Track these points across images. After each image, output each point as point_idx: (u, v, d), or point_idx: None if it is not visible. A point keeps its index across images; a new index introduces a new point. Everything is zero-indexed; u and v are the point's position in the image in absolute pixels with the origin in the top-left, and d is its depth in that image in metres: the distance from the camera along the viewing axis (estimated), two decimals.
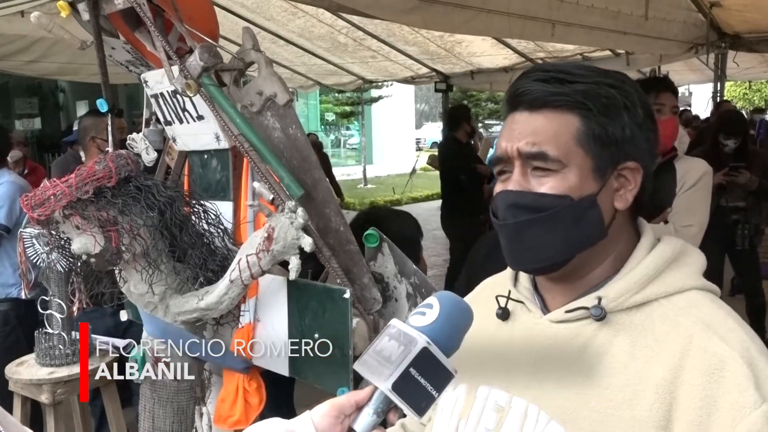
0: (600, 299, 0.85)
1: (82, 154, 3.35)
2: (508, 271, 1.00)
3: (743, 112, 9.98)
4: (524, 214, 0.85)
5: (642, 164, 0.87)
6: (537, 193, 0.84)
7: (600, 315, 0.84)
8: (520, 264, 0.92)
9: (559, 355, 0.86)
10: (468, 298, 0.97)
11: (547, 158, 0.84)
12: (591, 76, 0.85)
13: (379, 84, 11.73)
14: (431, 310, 0.77)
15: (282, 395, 2.55)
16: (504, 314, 0.95)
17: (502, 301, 0.96)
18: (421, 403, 0.72)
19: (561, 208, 0.84)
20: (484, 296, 1.01)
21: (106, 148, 2.47)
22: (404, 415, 0.75)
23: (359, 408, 0.75)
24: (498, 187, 0.90)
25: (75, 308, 2.46)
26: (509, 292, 0.96)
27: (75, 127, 3.89)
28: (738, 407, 0.73)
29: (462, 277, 2.32)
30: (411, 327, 0.75)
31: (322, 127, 23.09)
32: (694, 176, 2.44)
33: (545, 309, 0.92)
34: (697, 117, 9.65)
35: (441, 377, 0.73)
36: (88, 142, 3.22)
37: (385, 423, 0.76)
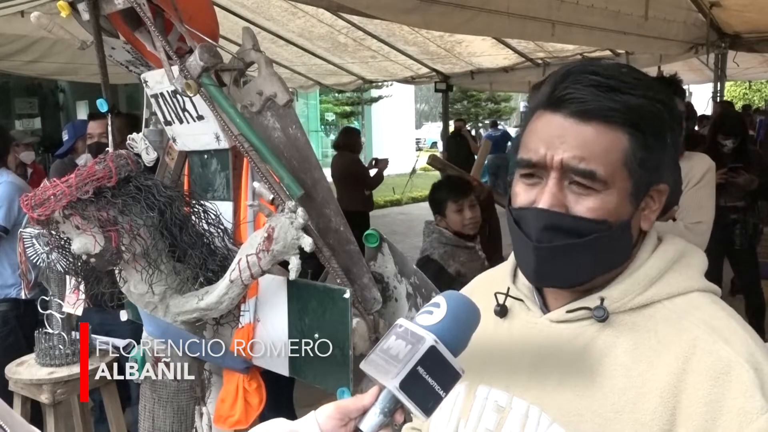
0: (603, 300, 0.83)
1: (81, 161, 3.44)
2: (507, 267, 0.98)
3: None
4: (561, 238, 0.81)
5: (669, 184, 0.85)
6: (576, 217, 0.80)
7: (603, 316, 0.82)
8: (545, 282, 0.89)
9: (560, 356, 0.85)
10: (464, 292, 0.96)
11: (594, 178, 0.79)
12: (639, 86, 0.80)
13: (379, 84, 11.73)
14: (438, 309, 0.76)
15: (282, 395, 2.55)
16: (502, 311, 0.93)
17: (501, 298, 0.94)
18: (429, 403, 0.72)
19: (599, 235, 0.80)
20: (481, 291, 0.98)
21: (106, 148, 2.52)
22: (410, 418, 0.75)
23: (365, 411, 0.75)
24: (521, 192, 0.85)
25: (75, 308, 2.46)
26: (508, 289, 0.94)
27: (65, 137, 3.93)
28: (744, 413, 0.73)
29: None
30: (418, 326, 0.74)
31: (322, 127, 23.07)
32: (698, 172, 2.44)
33: (545, 308, 0.91)
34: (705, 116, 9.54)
35: (448, 377, 0.73)
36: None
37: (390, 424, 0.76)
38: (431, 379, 0.72)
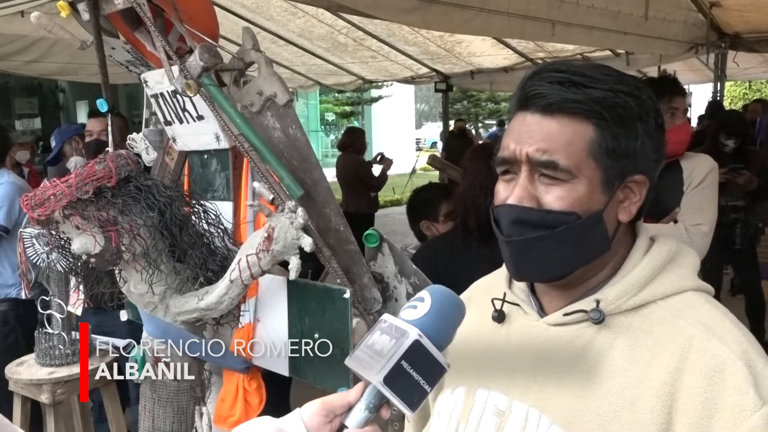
0: (598, 302, 0.84)
1: (70, 165, 3.45)
2: (503, 273, 0.99)
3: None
4: (530, 231, 0.83)
5: (648, 176, 0.86)
6: (543, 210, 0.82)
7: (599, 318, 0.83)
8: (524, 277, 0.91)
9: (557, 359, 0.85)
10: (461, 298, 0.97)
11: (557, 168, 0.81)
12: (607, 81, 0.82)
13: (379, 84, 11.73)
14: (423, 303, 0.76)
15: (279, 393, 2.53)
16: (499, 317, 0.94)
17: (498, 304, 0.94)
18: (414, 398, 0.72)
19: (568, 226, 0.82)
20: (478, 297, 0.99)
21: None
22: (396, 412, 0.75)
23: (351, 407, 0.75)
24: (501, 190, 0.87)
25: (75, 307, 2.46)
26: (504, 294, 0.95)
27: (53, 143, 3.93)
28: (738, 410, 0.73)
29: None
30: (402, 320, 0.75)
31: (322, 127, 23.07)
32: (701, 174, 2.42)
33: (542, 312, 0.91)
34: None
35: (433, 371, 0.73)
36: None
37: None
38: (416, 373, 0.71)
